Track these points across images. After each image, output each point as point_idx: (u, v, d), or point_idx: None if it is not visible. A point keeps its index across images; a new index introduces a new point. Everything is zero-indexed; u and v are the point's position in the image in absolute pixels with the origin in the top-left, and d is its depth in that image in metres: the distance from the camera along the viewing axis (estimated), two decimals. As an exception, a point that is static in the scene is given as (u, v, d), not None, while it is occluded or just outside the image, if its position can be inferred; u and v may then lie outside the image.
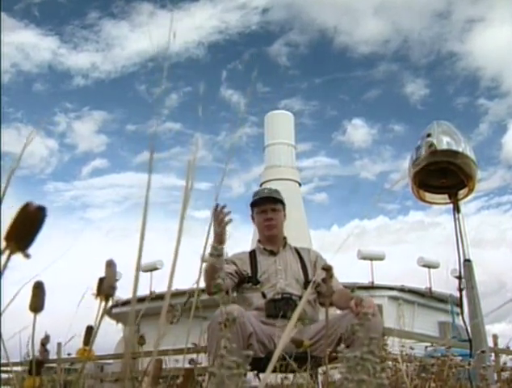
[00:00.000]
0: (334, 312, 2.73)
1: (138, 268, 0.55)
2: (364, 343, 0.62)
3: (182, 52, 26.73)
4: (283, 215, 2.98)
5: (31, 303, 0.81)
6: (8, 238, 0.57)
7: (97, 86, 27.97)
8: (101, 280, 0.79)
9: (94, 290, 0.80)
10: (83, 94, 28.41)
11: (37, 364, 0.93)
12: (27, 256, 0.58)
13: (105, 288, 0.79)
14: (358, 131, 27.24)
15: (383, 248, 15.48)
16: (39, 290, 0.82)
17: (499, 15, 26.45)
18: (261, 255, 2.92)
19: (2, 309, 0.67)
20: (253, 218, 3.01)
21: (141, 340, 2.02)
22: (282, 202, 2.97)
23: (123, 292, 0.78)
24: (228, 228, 2.52)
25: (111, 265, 0.79)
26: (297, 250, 2.99)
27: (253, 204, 2.97)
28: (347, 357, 0.61)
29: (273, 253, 2.92)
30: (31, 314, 0.82)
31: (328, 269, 2.45)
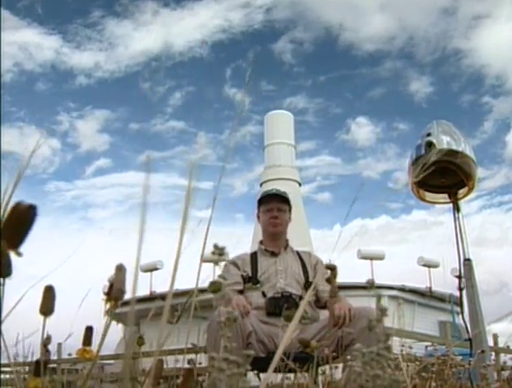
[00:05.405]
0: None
1: (137, 269, 0.55)
2: (380, 340, 0.62)
3: (186, 51, 26.74)
4: (289, 217, 3.00)
5: (42, 306, 0.81)
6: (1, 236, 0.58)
7: (100, 86, 27.96)
8: (111, 285, 0.79)
9: (104, 295, 0.80)
10: (86, 94, 28.41)
11: (40, 365, 0.93)
12: (19, 254, 0.58)
13: (114, 291, 0.79)
14: (362, 129, 27.19)
15: (385, 247, 15.45)
16: (49, 293, 0.82)
17: (505, 12, 26.39)
18: (262, 256, 2.93)
19: (4, 313, 0.67)
20: (258, 217, 3.03)
21: (140, 341, 2.01)
22: (288, 203, 2.99)
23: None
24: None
25: (121, 269, 0.78)
26: (298, 253, 3.01)
27: (260, 202, 2.98)
28: (363, 352, 0.61)
29: (274, 254, 2.93)
30: (34, 316, 0.82)
31: (332, 268, 2.45)
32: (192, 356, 2.71)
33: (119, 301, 0.79)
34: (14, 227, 0.58)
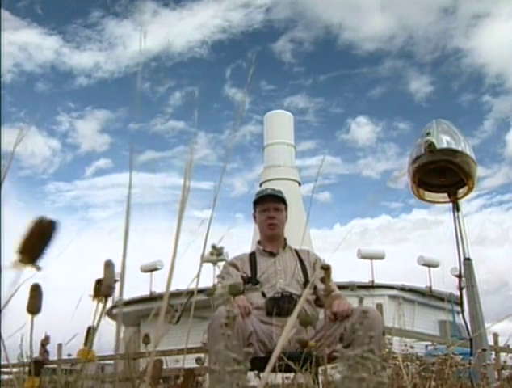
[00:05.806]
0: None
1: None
2: (365, 342, 0.62)
3: (186, 51, 26.74)
4: (285, 215, 2.99)
5: (29, 305, 0.81)
6: (21, 251, 0.58)
7: (100, 86, 28.03)
8: (98, 282, 0.79)
9: (92, 292, 0.80)
10: (86, 94, 28.47)
11: (37, 365, 0.93)
12: (38, 268, 0.58)
13: (104, 288, 0.79)
14: (363, 129, 27.25)
15: (385, 247, 15.48)
16: (36, 292, 0.81)
17: (505, 11, 26.38)
18: (260, 257, 2.92)
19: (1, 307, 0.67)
20: (254, 217, 3.02)
21: (146, 339, 2.00)
22: (284, 202, 2.98)
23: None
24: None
25: (109, 265, 0.78)
26: (297, 252, 3.00)
27: (256, 203, 2.98)
28: (348, 356, 0.61)
29: (272, 254, 2.92)
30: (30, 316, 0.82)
31: (326, 268, 2.46)
32: (190, 356, 2.71)
33: (110, 298, 0.79)
34: (34, 242, 0.58)
